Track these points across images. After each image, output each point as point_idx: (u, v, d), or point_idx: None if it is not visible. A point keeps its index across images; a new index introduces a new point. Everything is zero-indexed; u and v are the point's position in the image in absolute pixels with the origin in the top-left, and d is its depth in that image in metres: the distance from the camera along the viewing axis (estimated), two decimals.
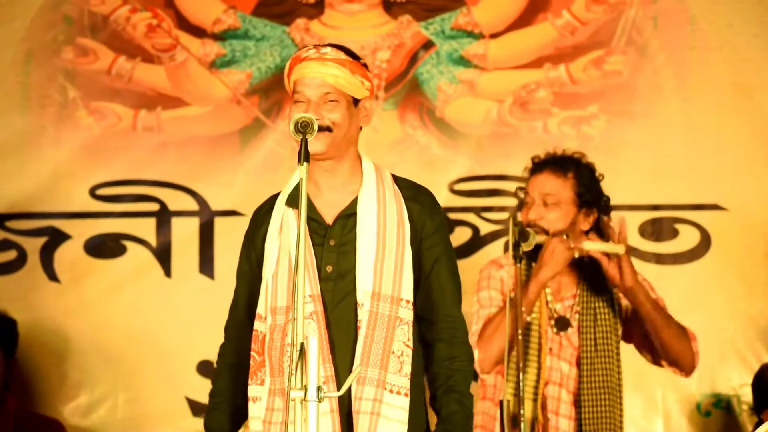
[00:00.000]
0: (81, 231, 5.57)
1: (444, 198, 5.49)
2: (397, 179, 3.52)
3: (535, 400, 4.22)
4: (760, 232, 5.42)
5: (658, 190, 5.49)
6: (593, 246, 4.29)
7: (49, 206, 5.58)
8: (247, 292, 3.50)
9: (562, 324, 4.30)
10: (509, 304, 4.04)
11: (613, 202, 5.29)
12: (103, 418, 5.47)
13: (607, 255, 4.28)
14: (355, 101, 3.43)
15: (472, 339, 4.28)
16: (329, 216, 3.42)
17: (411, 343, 3.38)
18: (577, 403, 4.26)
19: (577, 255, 4.27)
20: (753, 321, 5.40)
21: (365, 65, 3.48)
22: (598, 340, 4.27)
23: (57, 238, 5.56)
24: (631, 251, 5.42)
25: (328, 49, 3.42)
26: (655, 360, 4.38)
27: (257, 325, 3.43)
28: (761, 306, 5.40)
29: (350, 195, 3.43)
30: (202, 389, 5.39)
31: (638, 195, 5.49)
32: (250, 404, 3.41)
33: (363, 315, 3.34)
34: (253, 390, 3.41)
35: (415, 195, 3.49)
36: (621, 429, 4.31)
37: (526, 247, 4.11)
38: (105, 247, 5.56)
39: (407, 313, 3.38)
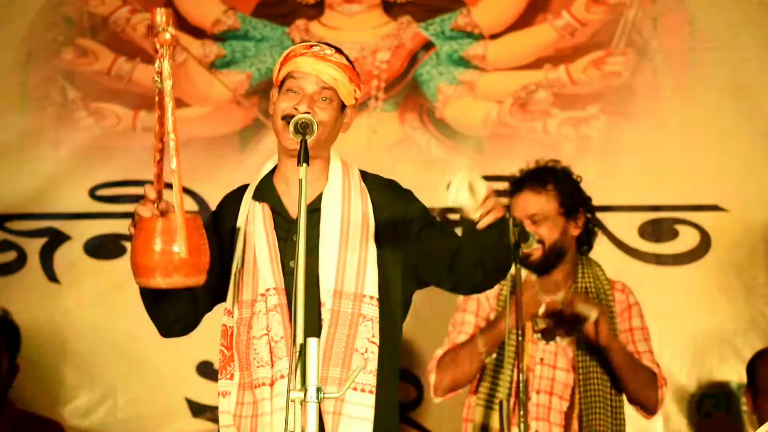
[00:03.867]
0: (81, 232, 5.57)
1: (444, 199, 5.48)
2: (366, 176, 3.52)
3: (500, 410, 4.24)
4: (760, 232, 5.42)
5: (658, 191, 5.49)
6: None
7: (49, 207, 5.58)
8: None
9: (548, 334, 4.32)
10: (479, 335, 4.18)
11: (613, 202, 5.31)
12: (103, 419, 5.47)
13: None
14: (342, 107, 3.43)
15: (432, 363, 4.35)
16: (295, 211, 3.38)
17: (377, 340, 3.36)
18: (570, 412, 4.27)
19: (541, 311, 4.29)
20: (753, 321, 5.40)
21: (358, 74, 3.48)
22: (593, 347, 4.28)
23: (57, 238, 5.57)
24: (632, 252, 5.46)
25: (332, 50, 3.43)
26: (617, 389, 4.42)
27: (226, 320, 3.42)
28: (761, 306, 5.40)
29: (316, 192, 3.43)
30: (202, 389, 5.40)
31: (638, 196, 5.49)
32: (220, 398, 3.40)
33: (325, 314, 3.33)
34: (223, 384, 3.40)
35: (381, 189, 3.49)
36: None
37: (526, 248, 4.12)
38: (105, 247, 5.56)
39: (371, 310, 3.36)
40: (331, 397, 3.22)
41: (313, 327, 3.30)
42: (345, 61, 3.42)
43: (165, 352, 5.44)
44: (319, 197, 3.43)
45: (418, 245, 3.41)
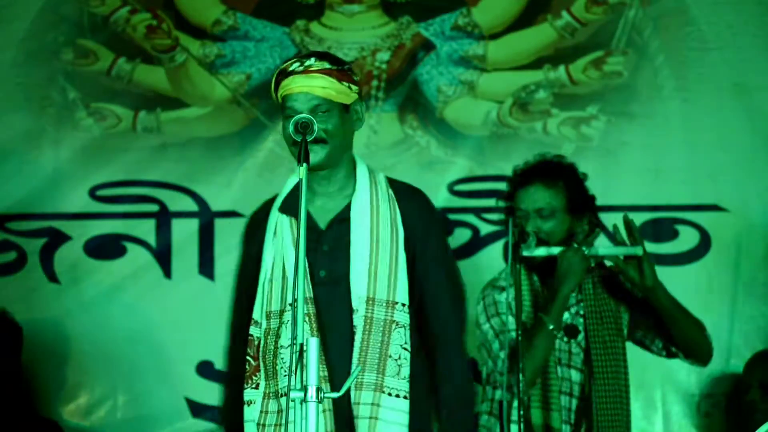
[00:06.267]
0: (81, 232, 5.57)
1: (444, 199, 5.50)
2: (392, 182, 3.52)
3: (559, 411, 4.21)
4: (759, 232, 5.42)
5: (658, 191, 5.49)
6: (610, 251, 4.28)
7: (49, 207, 5.58)
8: (246, 297, 3.51)
9: (571, 332, 4.29)
10: (516, 313, 4.04)
11: (613, 202, 5.31)
12: (103, 419, 5.47)
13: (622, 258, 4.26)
14: (346, 107, 3.43)
15: (502, 366, 4.22)
16: (323, 221, 3.44)
17: (409, 346, 3.39)
18: (582, 410, 4.25)
19: (593, 263, 4.27)
20: (753, 321, 5.40)
21: (350, 69, 3.47)
22: (606, 341, 4.26)
23: (57, 239, 5.56)
24: None
25: (312, 60, 3.40)
26: (669, 352, 4.37)
27: (253, 330, 3.44)
28: (761, 306, 5.40)
29: (345, 200, 3.45)
30: (201, 390, 5.40)
31: (638, 196, 5.49)
32: (246, 408, 3.42)
33: (358, 320, 3.35)
34: (248, 394, 3.43)
35: (409, 197, 3.50)
36: (629, 430, 4.32)
37: (525, 248, 4.11)
38: (105, 248, 5.56)
39: (403, 317, 3.39)
40: (331, 397, 3.22)
41: (343, 333, 3.33)
42: (328, 65, 3.40)
43: (165, 352, 5.45)
44: (348, 206, 3.44)
45: (421, 288, 3.45)
